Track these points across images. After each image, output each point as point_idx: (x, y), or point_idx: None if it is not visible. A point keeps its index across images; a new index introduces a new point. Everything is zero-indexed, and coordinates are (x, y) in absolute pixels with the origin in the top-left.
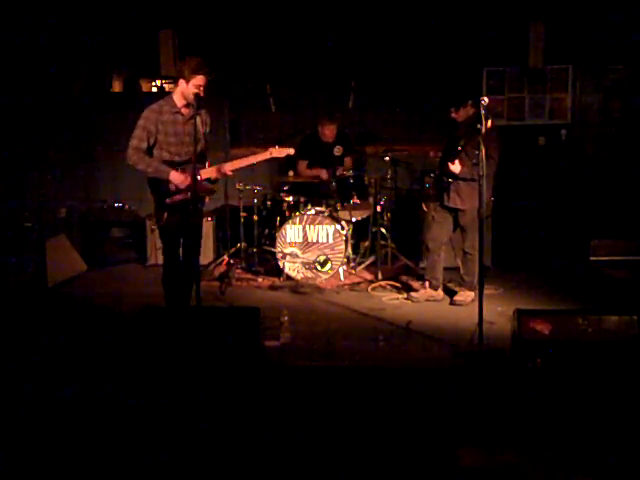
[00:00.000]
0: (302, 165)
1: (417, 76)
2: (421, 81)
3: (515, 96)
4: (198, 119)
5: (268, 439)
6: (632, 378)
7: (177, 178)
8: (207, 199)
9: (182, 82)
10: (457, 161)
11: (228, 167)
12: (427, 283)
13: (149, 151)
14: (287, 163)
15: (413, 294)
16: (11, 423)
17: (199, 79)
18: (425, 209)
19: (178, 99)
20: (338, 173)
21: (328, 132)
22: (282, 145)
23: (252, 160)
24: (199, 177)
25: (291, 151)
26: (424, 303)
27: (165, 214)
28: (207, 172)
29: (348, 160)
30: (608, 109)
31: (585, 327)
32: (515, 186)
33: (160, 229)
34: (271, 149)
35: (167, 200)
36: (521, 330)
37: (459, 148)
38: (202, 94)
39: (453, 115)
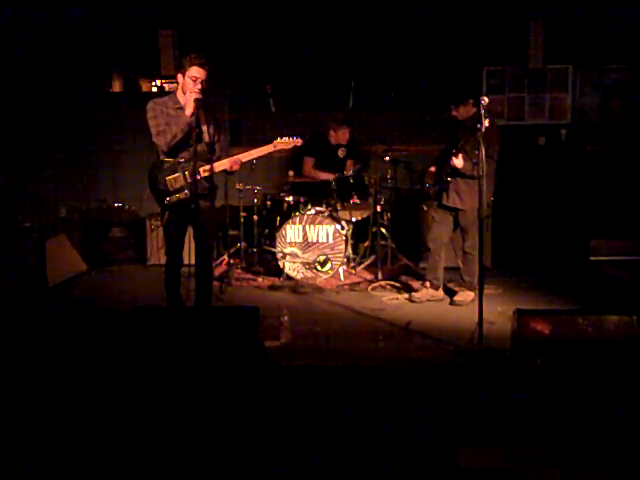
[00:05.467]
0: (308, 163)
1: (417, 76)
2: (421, 81)
3: (515, 96)
4: (203, 113)
5: (268, 439)
6: (632, 378)
7: (187, 103)
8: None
9: (180, 76)
10: (460, 156)
11: (243, 157)
12: (428, 283)
13: (153, 148)
14: (293, 160)
15: (415, 295)
16: (11, 423)
17: (193, 70)
18: (425, 209)
19: (181, 95)
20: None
21: (342, 136)
22: (285, 136)
23: (261, 152)
24: (203, 174)
25: (298, 142)
26: (424, 303)
27: (166, 213)
28: (221, 165)
29: (350, 162)
30: (608, 109)
31: (585, 327)
32: (515, 186)
33: (163, 228)
34: (275, 141)
35: (166, 200)
36: (521, 330)
37: (459, 146)
38: (199, 88)
39: (453, 113)
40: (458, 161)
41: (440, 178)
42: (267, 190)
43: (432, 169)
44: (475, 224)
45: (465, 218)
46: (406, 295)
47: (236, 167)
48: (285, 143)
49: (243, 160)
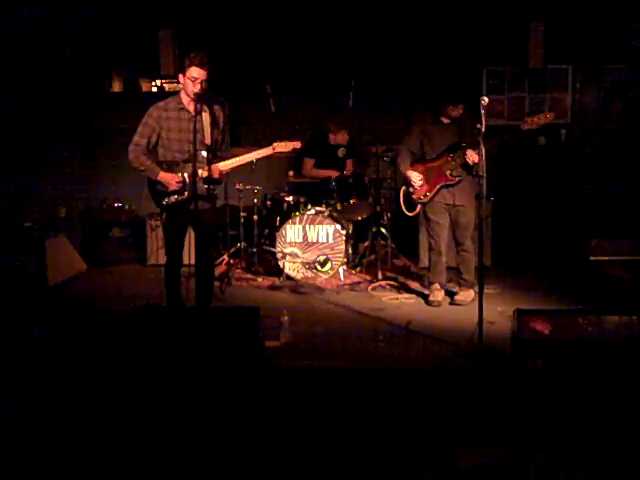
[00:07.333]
0: (308, 163)
1: (417, 76)
2: (421, 81)
3: (515, 96)
4: (205, 116)
5: (267, 439)
6: (632, 378)
7: (166, 178)
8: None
9: (181, 76)
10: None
11: (231, 165)
12: (438, 285)
13: (153, 149)
14: (293, 160)
15: (432, 299)
16: (11, 424)
17: (193, 71)
18: (409, 214)
19: (183, 95)
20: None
21: (341, 137)
22: (284, 140)
23: (259, 155)
24: (201, 175)
25: (297, 144)
26: (423, 303)
27: (164, 214)
28: (216, 169)
29: (350, 162)
30: (608, 109)
31: (585, 327)
32: (515, 186)
33: (162, 228)
34: (274, 144)
35: (163, 201)
36: (521, 330)
37: (463, 144)
38: (198, 88)
39: (454, 113)
40: (475, 157)
41: (439, 179)
42: (267, 190)
43: (419, 179)
44: (474, 222)
45: (467, 215)
46: (406, 295)
47: (217, 176)
48: (284, 146)
49: (231, 168)
